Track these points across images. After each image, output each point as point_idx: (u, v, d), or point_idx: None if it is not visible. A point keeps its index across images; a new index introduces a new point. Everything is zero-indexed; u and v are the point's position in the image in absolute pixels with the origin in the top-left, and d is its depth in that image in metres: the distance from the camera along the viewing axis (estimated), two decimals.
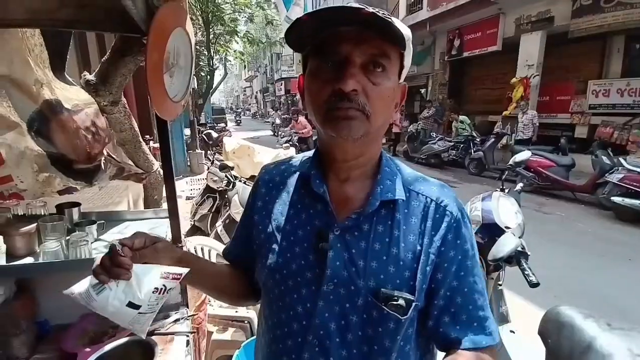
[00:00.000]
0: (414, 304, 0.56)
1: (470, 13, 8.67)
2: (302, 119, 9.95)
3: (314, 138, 9.66)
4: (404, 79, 0.62)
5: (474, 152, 7.77)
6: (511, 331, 1.74)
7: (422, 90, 12.88)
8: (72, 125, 1.29)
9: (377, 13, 0.49)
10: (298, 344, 0.59)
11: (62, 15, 0.98)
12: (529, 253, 1.38)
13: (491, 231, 1.53)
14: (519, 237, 1.44)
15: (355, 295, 0.56)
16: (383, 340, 0.57)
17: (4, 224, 1.08)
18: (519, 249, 1.34)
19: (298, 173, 0.66)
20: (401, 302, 0.55)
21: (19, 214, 1.22)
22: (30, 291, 1.12)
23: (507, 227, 1.48)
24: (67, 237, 1.09)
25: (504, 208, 1.59)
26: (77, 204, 1.30)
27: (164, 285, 0.56)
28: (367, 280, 0.56)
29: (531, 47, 7.78)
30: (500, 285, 1.54)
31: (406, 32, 0.55)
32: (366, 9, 0.48)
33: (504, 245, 1.33)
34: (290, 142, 9.45)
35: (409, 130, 10.42)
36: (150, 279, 0.56)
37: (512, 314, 1.81)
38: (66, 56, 1.26)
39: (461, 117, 8.76)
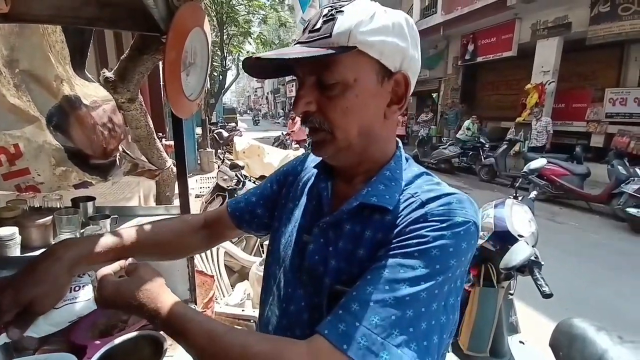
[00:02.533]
0: None
1: (485, 18, 8.58)
2: (298, 121, 9.92)
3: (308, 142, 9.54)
4: (401, 68, 0.52)
5: (484, 158, 7.66)
6: (521, 342, 1.70)
7: (434, 95, 12.80)
8: (90, 121, 1.31)
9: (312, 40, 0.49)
10: (275, 326, 0.61)
11: (85, 13, 1.00)
12: (542, 263, 1.35)
13: (503, 239, 1.50)
14: (533, 246, 1.42)
15: (323, 291, 0.55)
16: None
17: (20, 216, 1.10)
18: (533, 258, 1.31)
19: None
20: None
21: (35, 206, 1.25)
22: None
23: (520, 236, 1.46)
24: (82, 230, 1.10)
25: (518, 216, 1.56)
26: (92, 198, 1.32)
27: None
28: (333, 279, 0.54)
29: (547, 53, 7.65)
30: (512, 294, 1.51)
31: (357, 27, 0.48)
32: (300, 51, 0.48)
33: (517, 254, 1.30)
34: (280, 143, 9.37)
35: (419, 134, 10.37)
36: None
37: (522, 324, 1.77)
38: (87, 53, 1.28)
39: (465, 123, 8.71)
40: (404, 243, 0.47)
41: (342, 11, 0.49)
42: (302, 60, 0.47)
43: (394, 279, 0.45)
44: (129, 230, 0.66)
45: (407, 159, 0.61)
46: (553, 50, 7.53)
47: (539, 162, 1.88)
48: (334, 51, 0.47)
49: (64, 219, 1.12)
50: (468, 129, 8.55)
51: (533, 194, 1.84)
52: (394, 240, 0.49)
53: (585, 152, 6.44)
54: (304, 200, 0.65)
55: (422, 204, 0.50)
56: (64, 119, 1.23)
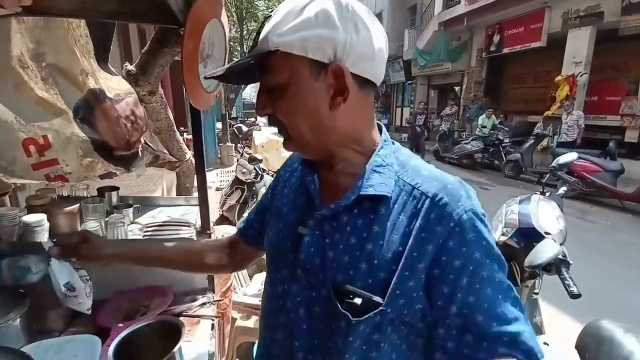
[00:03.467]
0: (380, 308, 0.50)
1: (512, 7, 8.21)
2: None
3: None
4: (335, 58, 0.50)
5: (505, 154, 7.39)
6: (545, 343, 1.64)
7: (457, 89, 12.43)
8: (114, 114, 1.35)
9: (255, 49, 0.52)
10: (274, 322, 0.61)
11: (107, 7, 1.03)
12: (570, 262, 1.29)
13: (528, 236, 1.44)
14: (560, 244, 1.35)
15: (321, 285, 0.55)
16: (336, 338, 0.54)
17: (49, 204, 1.16)
18: (560, 256, 1.25)
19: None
20: (356, 300, 0.50)
21: (64, 195, 1.31)
22: None
23: (547, 233, 1.39)
24: (106, 219, 1.15)
25: (544, 212, 1.49)
26: (116, 188, 1.37)
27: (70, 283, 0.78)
28: (334, 273, 0.53)
29: (579, 44, 7.25)
30: (537, 294, 1.45)
31: (277, 29, 0.49)
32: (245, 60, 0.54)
33: (543, 252, 1.24)
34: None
35: (440, 129, 10.12)
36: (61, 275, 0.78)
37: (547, 325, 1.70)
38: (109, 47, 1.32)
39: (479, 120, 8.48)
40: (465, 252, 0.50)
41: (270, 16, 0.51)
42: (241, 71, 0.55)
43: (494, 288, 0.50)
44: (160, 244, 0.84)
45: (393, 143, 0.60)
46: (585, 40, 7.12)
47: (568, 157, 1.79)
48: (249, 59, 0.52)
49: (90, 207, 1.17)
50: (484, 126, 8.33)
51: (562, 189, 1.76)
52: (443, 257, 0.50)
53: (619, 147, 6.09)
54: (291, 197, 0.65)
55: (433, 201, 0.51)
56: (90, 112, 1.27)
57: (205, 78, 0.57)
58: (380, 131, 0.61)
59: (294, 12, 0.49)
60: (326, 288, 0.54)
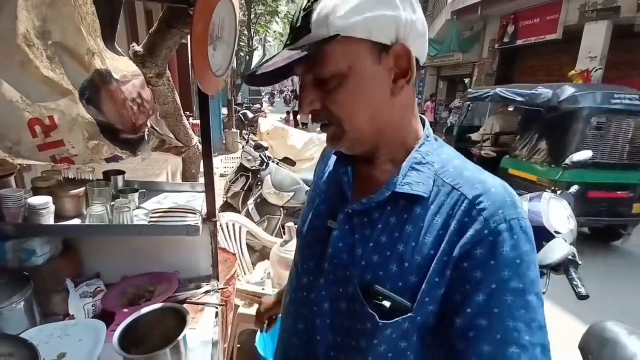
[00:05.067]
0: (409, 314, 0.47)
1: None
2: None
3: None
4: (394, 39, 0.47)
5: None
6: None
7: (466, 80, 12.20)
8: (120, 96, 1.32)
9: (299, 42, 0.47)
10: (297, 312, 0.61)
11: None
12: (579, 262, 1.27)
13: (538, 235, 1.40)
14: (570, 244, 1.32)
15: (347, 282, 0.53)
16: (359, 338, 0.52)
17: (54, 186, 1.14)
18: (570, 257, 1.23)
19: None
20: (385, 303, 0.48)
21: (70, 177, 1.29)
22: (75, 251, 1.20)
23: (557, 232, 1.37)
24: (112, 203, 1.13)
25: (555, 211, 1.46)
26: (122, 172, 1.35)
27: None
28: (362, 271, 0.51)
29: (595, 38, 7.03)
30: (544, 293, 1.43)
31: (335, 13, 0.44)
32: (289, 56, 0.46)
33: (553, 252, 1.22)
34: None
35: (448, 121, 9.98)
36: None
37: (549, 324, 1.69)
38: (116, 26, 1.28)
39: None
40: (491, 266, 0.44)
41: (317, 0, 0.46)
42: (290, 64, 0.46)
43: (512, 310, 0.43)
44: None
45: (435, 139, 0.56)
46: (601, 34, 6.91)
47: (583, 154, 1.74)
48: (305, 52, 0.45)
49: (96, 190, 1.15)
50: None
51: (574, 188, 1.72)
52: (464, 263, 0.45)
53: None
54: (324, 187, 0.63)
55: (472, 204, 0.46)
56: (96, 93, 1.24)
57: (244, 77, 0.51)
58: (423, 125, 0.57)
59: None
60: (353, 285, 0.52)
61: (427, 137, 0.55)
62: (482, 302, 0.44)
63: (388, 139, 0.53)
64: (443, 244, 0.47)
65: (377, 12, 0.45)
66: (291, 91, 10.97)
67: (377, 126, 0.51)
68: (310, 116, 0.52)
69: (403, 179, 0.50)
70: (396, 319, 0.48)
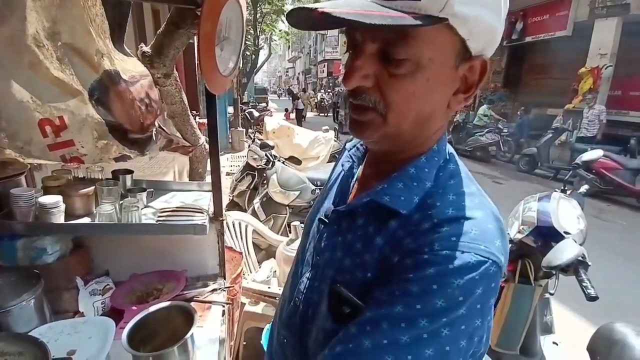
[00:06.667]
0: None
1: None
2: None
3: None
4: (481, 50, 0.43)
5: (502, 143, 7.43)
6: (554, 343, 1.62)
7: None
8: (129, 96, 1.33)
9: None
10: (286, 299, 0.62)
11: None
12: (589, 263, 1.25)
13: (546, 235, 1.40)
14: (580, 245, 1.31)
15: (321, 279, 0.53)
16: (325, 339, 0.49)
17: (64, 185, 1.16)
18: (580, 258, 1.21)
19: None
20: (345, 309, 0.47)
21: (79, 176, 1.31)
22: (85, 249, 1.21)
23: (567, 233, 1.35)
24: (121, 202, 1.15)
25: (565, 211, 1.44)
26: (131, 172, 1.37)
27: None
28: (335, 272, 0.51)
29: (606, 35, 6.92)
30: (552, 294, 1.42)
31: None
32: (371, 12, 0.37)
33: (563, 252, 1.21)
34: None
35: (455, 120, 9.91)
36: None
37: (557, 325, 1.68)
38: (125, 27, 1.29)
39: (481, 110, 8.72)
40: (403, 285, 0.40)
41: None
42: (371, 26, 0.35)
43: (388, 334, 0.39)
44: None
45: (449, 155, 0.51)
46: (612, 31, 6.80)
47: (594, 154, 1.71)
48: (420, 22, 0.36)
49: (105, 190, 1.17)
50: (485, 115, 8.63)
51: (584, 188, 1.69)
52: (394, 274, 0.42)
53: None
54: (335, 183, 0.64)
55: (433, 226, 0.42)
56: (105, 93, 1.26)
57: (311, 10, 0.36)
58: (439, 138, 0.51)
59: None
60: (325, 283, 0.52)
61: (435, 152, 0.49)
62: (386, 289, 0.42)
63: (414, 145, 0.49)
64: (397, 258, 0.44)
65: (489, 15, 0.40)
66: (289, 91, 11.05)
67: (417, 130, 0.47)
68: (348, 92, 0.45)
69: (387, 188, 0.47)
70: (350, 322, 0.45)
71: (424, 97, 0.43)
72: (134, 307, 1.07)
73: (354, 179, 0.58)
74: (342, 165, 0.65)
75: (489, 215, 0.43)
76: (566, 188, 1.68)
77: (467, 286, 0.38)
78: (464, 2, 0.38)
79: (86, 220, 1.14)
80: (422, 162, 0.49)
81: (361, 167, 0.58)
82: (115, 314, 1.05)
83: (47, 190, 1.11)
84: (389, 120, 0.44)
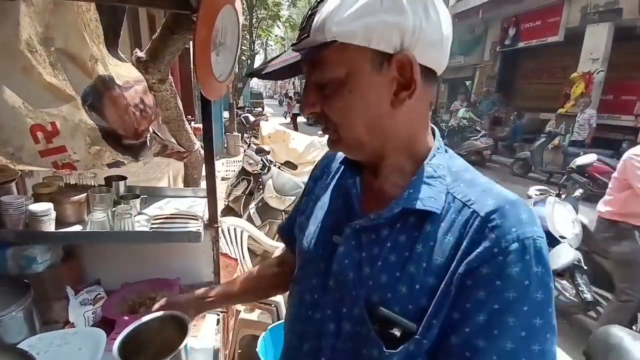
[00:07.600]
0: (415, 337, 0.44)
1: None
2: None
3: None
4: (402, 46, 0.44)
5: (491, 148, 7.73)
6: None
7: (467, 83, 12.20)
8: (123, 102, 1.32)
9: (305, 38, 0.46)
10: (303, 332, 0.58)
11: None
12: (585, 267, 1.25)
13: None
14: (576, 249, 1.31)
15: (352, 302, 0.50)
16: None
17: (55, 192, 1.14)
18: (576, 262, 1.22)
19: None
20: (396, 331, 0.45)
21: (71, 183, 1.29)
22: (76, 258, 1.19)
23: (562, 237, 1.35)
24: (113, 209, 1.13)
25: (560, 215, 1.44)
26: (124, 178, 1.35)
27: None
28: (369, 292, 0.48)
29: (597, 40, 7.05)
30: None
31: (338, 18, 0.43)
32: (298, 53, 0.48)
33: (559, 257, 1.21)
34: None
35: (449, 124, 10.00)
36: None
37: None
38: (120, 33, 1.28)
39: (460, 112, 9.17)
40: (496, 318, 0.41)
41: (322, 0, 0.45)
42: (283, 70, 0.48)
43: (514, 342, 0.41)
44: (232, 283, 0.83)
45: (446, 150, 0.53)
46: (603, 36, 6.93)
47: (588, 158, 1.73)
48: (299, 56, 0.46)
49: (97, 196, 1.15)
50: (464, 118, 9.05)
51: (578, 192, 1.70)
52: (469, 281, 0.43)
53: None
54: (327, 198, 0.60)
55: (484, 221, 0.43)
56: (99, 99, 1.24)
57: (247, 76, 0.52)
58: (434, 135, 0.54)
59: None
60: (359, 306, 0.48)
61: (439, 148, 0.52)
62: (483, 322, 0.41)
63: (393, 150, 0.51)
64: (454, 264, 0.44)
65: (379, 17, 0.42)
66: (290, 94, 11.10)
67: (377, 136, 0.49)
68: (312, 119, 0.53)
69: (414, 193, 0.47)
70: (403, 346, 0.45)
71: (356, 107, 0.47)
72: (126, 317, 1.05)
73: (356, 190, 0.55)
74: (327, 178, 0.63)
75: (516, 196, 0.47)
76: (561, 192, 1.69)
77: (544, 269, 0.42)
78: (341, 21, 0.42)
79: (78, 228, 1.11)
80: (434, 159, 0.51)
81: (358, 178, 0.56)
82: (107, 324, 1.03)
83: (37, 198, 1.09)
84: (342, 135, 0.50)
